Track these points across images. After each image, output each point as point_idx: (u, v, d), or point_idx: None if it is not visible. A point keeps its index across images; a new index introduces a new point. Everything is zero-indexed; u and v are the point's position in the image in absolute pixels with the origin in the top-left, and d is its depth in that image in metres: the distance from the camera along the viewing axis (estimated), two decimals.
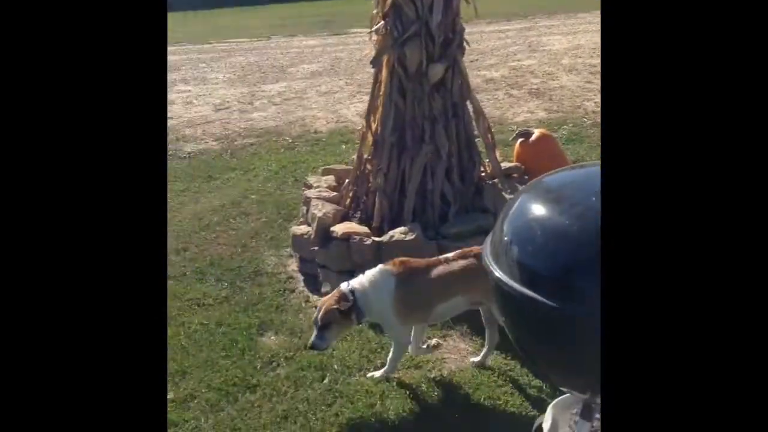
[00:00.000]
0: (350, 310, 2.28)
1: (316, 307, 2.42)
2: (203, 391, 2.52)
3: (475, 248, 2.33)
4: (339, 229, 3.14)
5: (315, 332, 2.30)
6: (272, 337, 2.86)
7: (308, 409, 2.39)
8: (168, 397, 2.48)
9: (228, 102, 7.29)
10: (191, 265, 3.53)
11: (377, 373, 2.48)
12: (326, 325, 2.28)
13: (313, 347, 2.32)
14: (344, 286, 2.34)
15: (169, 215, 4.19)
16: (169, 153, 5.38)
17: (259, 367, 2.65)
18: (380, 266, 2.40)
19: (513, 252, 1.21)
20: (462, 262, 2.35)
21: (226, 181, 4.80)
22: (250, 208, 4.28)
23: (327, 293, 2.57)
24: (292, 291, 3.25)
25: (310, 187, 3.69)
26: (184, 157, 5.38)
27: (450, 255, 2.42)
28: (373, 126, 3.28)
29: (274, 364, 2.67)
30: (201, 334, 2.90)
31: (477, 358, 2.54)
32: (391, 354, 2.45)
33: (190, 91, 7.96)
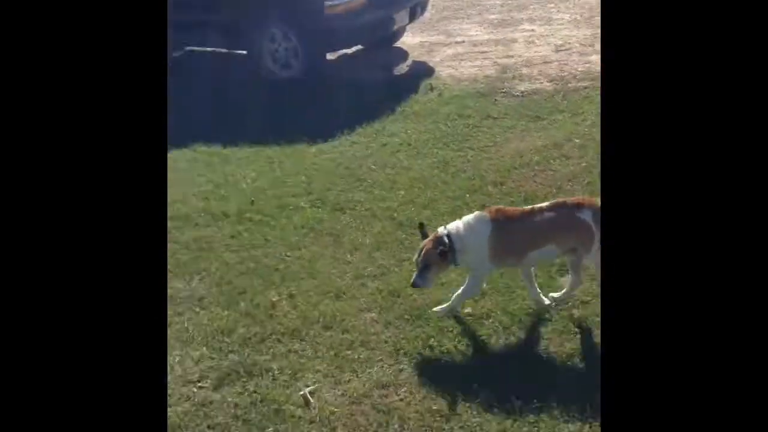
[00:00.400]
0: (446, 252, 2.54)
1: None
2: (498, 313, 2.76)
3: (569, 199, 2.66)
4: None
5: (416, 272, 2.61)
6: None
7: (597, 354, 2.42)
8: (467, 310, 2.80)
9: (569, 43, 7.17)
10: (506, 199, 3.76)
11: (441, 308, 2.73)
12: (426, 266, 2.58)
13: (414, 285, 2.63)
14: (441, 230, 2.62)
15: (493, 150, 4.49)
16: (503, 91, 5.65)
17: (554, 304, 2.77)
18: (477, 213, 2.68)
19: None
20: (555, 213, 2.56)
21: (553, 123, 4.85)
22: (572, 151, 4.28)
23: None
24: None
25: None
26: (517, 95, 5.58)
27: (544, 205, 2.63)
28: None
29: (569, 304, 2.76)
30: None
31: (557, 294, 2.75)
32: (461, 291, 2.68)
33: (533, 30, 8.05)
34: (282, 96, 5.99)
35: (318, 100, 5.87)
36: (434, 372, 2.48)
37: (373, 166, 4.43)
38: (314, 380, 2.51)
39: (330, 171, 4.43)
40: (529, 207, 2.68)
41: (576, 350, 2.49)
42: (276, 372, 2.58)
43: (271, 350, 2.72)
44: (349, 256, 3.38)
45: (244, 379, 2.55)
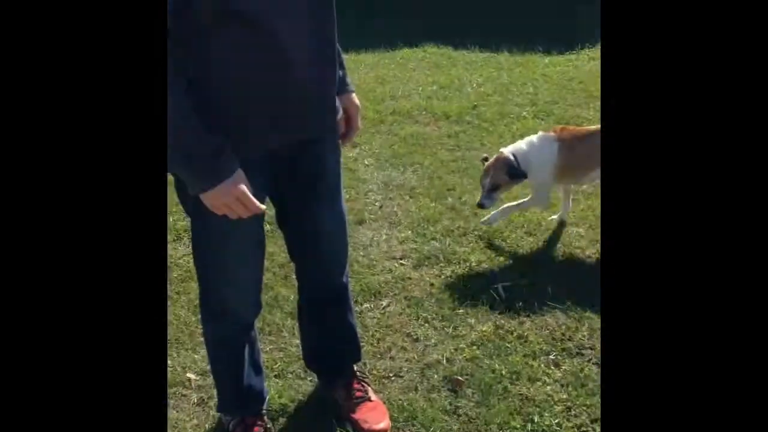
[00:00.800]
0: (514, 172, 2.68)
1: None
2: None
3: None
4: None
5: (483, 193, 2.73)
6: None
7: None
8: None
9: None
10: None
11: (491, 216, 2.86)
12: (494, 186, 2.71)
13: (481, 206, 2.75)
14: (506, 150, 2.75)
15: None
16: None
17: None
18: (540, 133, 2.82)
19: None
20: None
21: None
22: None
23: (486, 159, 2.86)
24: None
25: None
26: None
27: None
28: None
29: None
30: None
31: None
32: (520, 202, 2.85)
33: None
34: (523, 2, 5.94)
35: (562, 10, 5.71)
36: None
37: None
38: (510, 279, 2.67)
39: (561, 84, 4.38)
40: (594, 127, 2.83)
41: None
42: (473, 263, 2.79)
43: (471, 244, 2.93)
44: None
45: (442, 264, 2.80)
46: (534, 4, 5.81)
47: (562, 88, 4.30)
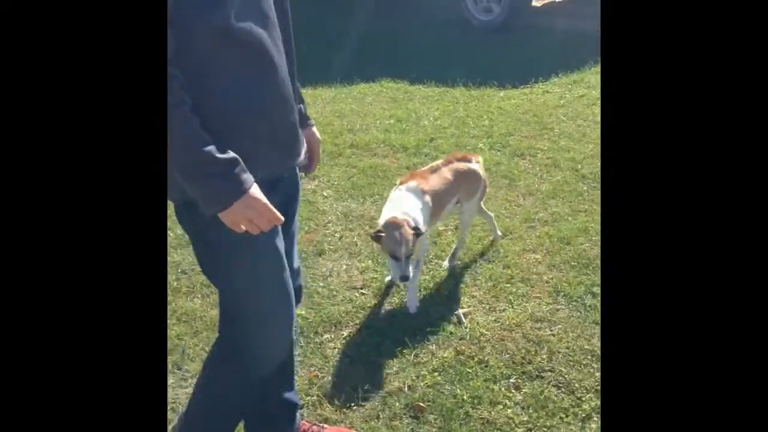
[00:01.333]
0: (419, 232, 2.57)
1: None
2: None
3: (456, 154, 3.04)
4: None
5: (402, 264, 2.51)
6: None
7: None
8: None
9: None
10: None
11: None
12: (410, 254, 2.54)
13: (407, 278, 2.55)
14: (397, 214, 2.58)
15: None
16: None
17: None
18: (404, 187, 2.74)
19: None
20: (454, 165, 2.90)
21: None
22: None
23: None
24: None
25: None
26: None
27: (440, 162, 2.94)
28: None
29: None
30: None
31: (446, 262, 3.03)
32: (416, 267, 2.75)
33: None
34: (477, 40, 6.18)
35: (514, 46, 5.96)
36: (593, 317, 2.58)
37: (563, 117, 4.47)
38: (469, 304, 2.74)
39: (515, 117, 4.56)
40: (429, 166, 2.95)
41: None
42: (433, 291, 2.86)
43: (432, 272, 3.00)
44: (522, 199, 3.53)
45: (403, 293, 2.86)
46: (487, 42, 6.05)
47: (516, 121, 4.48)
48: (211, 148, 1.35)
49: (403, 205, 2.66)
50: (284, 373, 1.92)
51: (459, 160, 2.96)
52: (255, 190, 1.42)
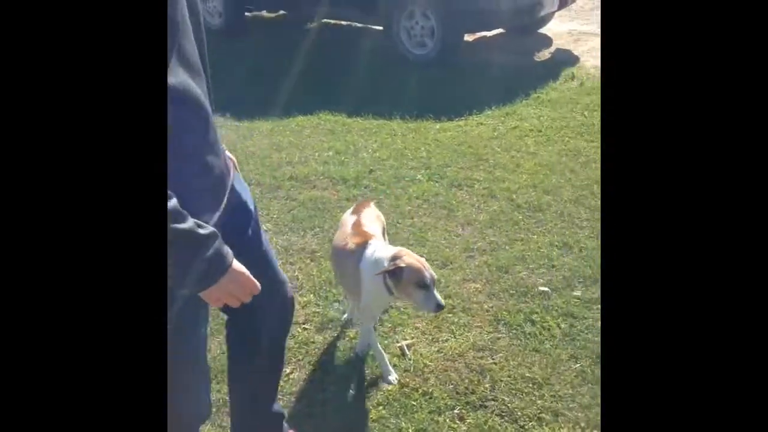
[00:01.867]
0: None
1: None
2: None
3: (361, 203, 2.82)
4: None
5: (431, 292, 2.21)
6: None
7: None
8: (575, 293, 2.92)
9: None
10: None
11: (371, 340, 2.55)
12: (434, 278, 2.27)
13: (441, 306, 2.21)
14: (398, 262, 2.24)
15: None
16: None
17: None
18: (374, 239, 2.43)
19: None
20: (370, 210, 2.71)
21: None
22: None
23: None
24: None
25: None
26: None
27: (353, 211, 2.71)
28: None
29: None
30: None
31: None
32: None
33: None
34: (412, 73, 6.31)
35: (449, 80, 6.12)
36: (532, 344, 2.64)
37: (498, 148, 4.61)
38: (412, 335, 2.76)
39: (452, 148, 4.66)
40: (354, 215, 2.65)
41: None
42: (377, 323, 2.86)
43: None
44: (460, 229, 3.60)
45: (346, 327, 2.85)
46: (422, 76, 6.20)
47: (453, 152, 4.58)
48: (192, 224, 1.27)
49: (386, 246, 2.45)
50: (271, 386, 2.01)
51: (363, 206, 2.74)
52: (236, 263, 1.38)
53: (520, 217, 3.67)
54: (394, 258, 2.26)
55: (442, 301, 2.22)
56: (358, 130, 5.17)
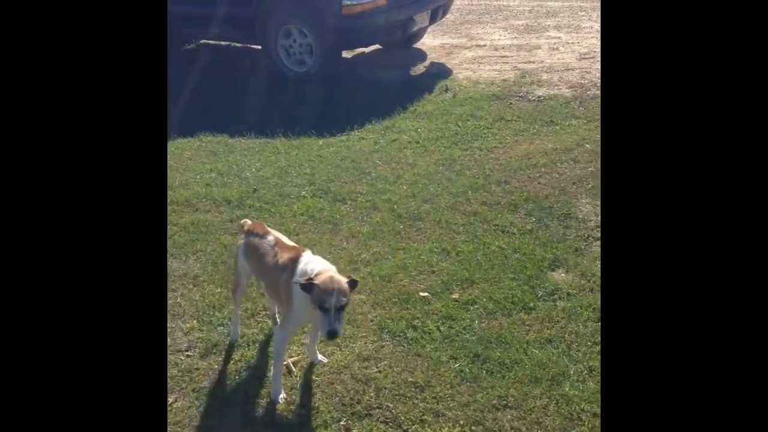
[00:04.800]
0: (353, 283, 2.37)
1: None
2: (484, 300, 2.98)
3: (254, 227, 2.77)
4: None
5: (331, 317, 2.21)
6: (562, 274, 3.15)
7: (574, 340, 2.64)
8: (453, 296, 3.03)
9: (594, 52, 7.41)
10: (507, 197, 3.99)
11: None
12: (341, 305, 2.27)
13: (335, 333, 2.22)
14: (330, 267, 2.39)
15: (501, 151, 4.74)
16: (519, 95, 5.90)
17: (540, 294, 2.99)
18: (307, 252, 2.50)
19: None
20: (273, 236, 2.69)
21: (566, 128, 5.08)
22: (581, 156, 4.50)
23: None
24: (597, 239, 3.44)
25: None
26: (533, 100, 5.83)
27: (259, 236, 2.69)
28: None
29: (555, 296, 2.97)
30: (497, 255, 3.35)
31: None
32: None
33: (560, 38, 8.32)
34: (293, 91, 6.32)
35: (329, 97, 6.18)
36: (414, 349, 2.71)
37: (379, 161, 4.70)
38: (298, 352, 2.75)
39: (335, 164, 4.70)
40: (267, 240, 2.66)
41: (554, 336, 2.70)
42: (263, 344, 2.83)
43: (260, 325, 2.97)
44: (345, 243, 3.64)
45: (231, 350, 2.80)
46: (303, 93, 6.22)
47: (336, 167, 4.63)
48: None
49: (322, 261, 2.45)
50: None
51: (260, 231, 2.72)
52: None
53: (401, 227, 3.76)
54: (317, 274, 2.31)
55: (338, 330, 2.22)
56: (241, 150, 5.11)
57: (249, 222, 2.85)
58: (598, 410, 2.31)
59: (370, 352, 2.70)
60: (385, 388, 2.50)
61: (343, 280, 2.29)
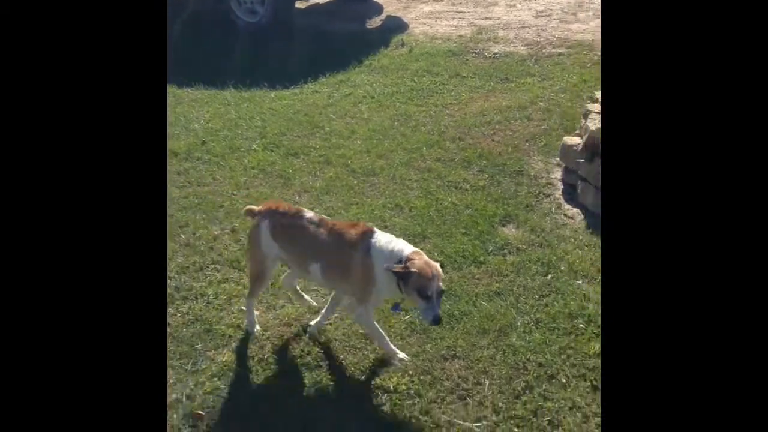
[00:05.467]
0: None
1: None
2: (435, 254, 3.01)
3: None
4: None
5: (434, 303, 2.15)
6: (512, 230, 3.20)
7: (522, 293, 2.70)
8: None
9: (551, 9, 7.42)
10: (461, 154, 4.00)
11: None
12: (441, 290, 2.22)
13: (439, 320, 2.17)
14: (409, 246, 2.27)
15: (456, 108, 4.73)
16: (475, 51, 5.88)
17: (490, 249, 3.03)
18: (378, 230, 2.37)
19: None
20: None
21: (521, 85, 5.10)
22: (535, 114, 4.54)
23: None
24: (547, 196, 3.50)
25: (596, 101, 3.78)
26: (489, 57, 5.81)
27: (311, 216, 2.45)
28: None
29: (505, 251, 3.02)
30: (450, 211, 3.38)
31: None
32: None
33: None
34: (245, 42, 6.14)
35: (282, 48, 6.03)
36: None
37: (333, 115, 4.64)
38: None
39: (287, 117, 4.62)
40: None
41: (503, 289, 2.76)
42: (211, 297, 2.80)
43: (208, 278, 2.93)
44: (297, 197, 3.60)
45: (179, 303, 2.76)
46: (255, 44, 6.06)
47: (288, 121, 4.55)
48: None
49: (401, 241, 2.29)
50: None
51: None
52: None
53: (355, 182, 3.74)
54: (409, 259, 2.16)
55: (440, 316, 2.15)
56: (189, 101, 4.97)
57: (254, 207, 2.59)
58: (543, 360, 2.38)
59: (321, 305, 2.70)
60: (336, 340, 2.52)
61: (437, 265, 2.19)
